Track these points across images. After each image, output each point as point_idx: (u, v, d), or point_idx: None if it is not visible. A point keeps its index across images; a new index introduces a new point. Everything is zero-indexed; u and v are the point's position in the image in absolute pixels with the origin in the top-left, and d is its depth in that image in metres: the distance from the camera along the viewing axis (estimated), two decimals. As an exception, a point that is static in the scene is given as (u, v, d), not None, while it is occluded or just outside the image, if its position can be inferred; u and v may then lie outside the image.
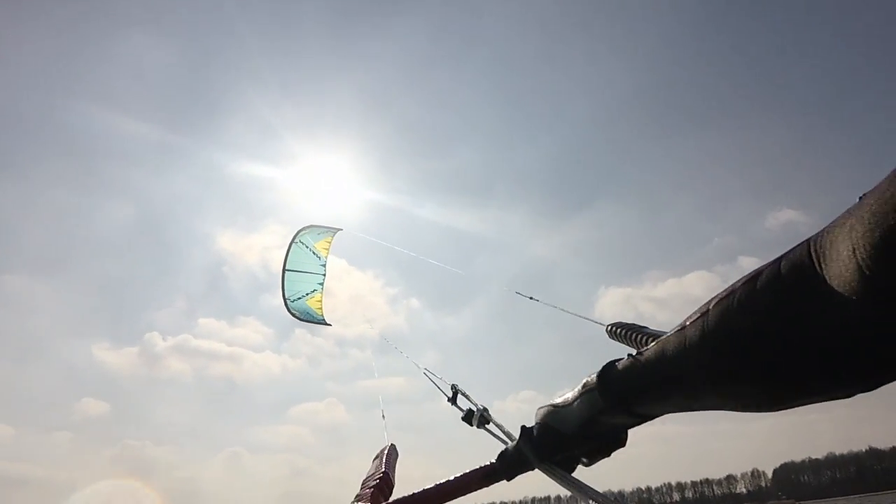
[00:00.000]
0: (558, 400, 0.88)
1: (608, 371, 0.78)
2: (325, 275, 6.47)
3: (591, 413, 0.80)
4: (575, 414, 0.82)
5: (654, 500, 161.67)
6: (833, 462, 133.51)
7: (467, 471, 0.98)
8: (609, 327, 1.36)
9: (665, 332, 1.12)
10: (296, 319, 6.23)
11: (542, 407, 0.91)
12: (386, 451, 1.58)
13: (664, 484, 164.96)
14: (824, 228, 0.48)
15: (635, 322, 1.25)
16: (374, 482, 1.24)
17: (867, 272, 0.41)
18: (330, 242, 6.50)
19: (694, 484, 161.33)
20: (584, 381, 0.82)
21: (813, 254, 0.48)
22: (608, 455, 0.86)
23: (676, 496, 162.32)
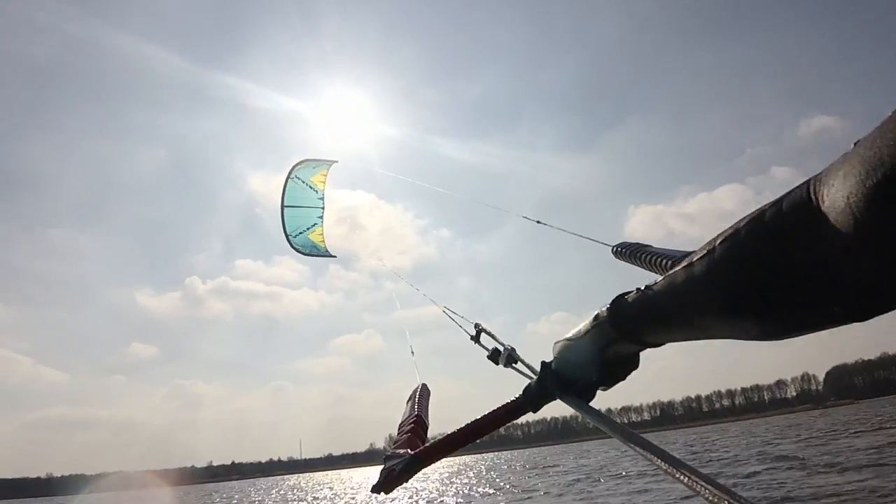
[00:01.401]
0: (572, 333, 0.92)
1: (618, 304, 0.80)
2: (323, 208, 6.48)
3: (602, 344, 0.84)
4: (588, 345, 0.86)
5: (704, 407, 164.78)
6: (887, 362, 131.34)
7: (495, 407, 1.02)
8: (614, 248, 1.40)
9: (670, 251, 1.13)
10: (302, 255, 6.33)
11: (558, 341, 0.95)
12: (418, 392, 1.60)
13: (714, 392, 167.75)
14: (822, 171, 0.50)
15: (648, 242, 1.30)
16: (409, 426, 1.28)
17: (860, 219, 0.44)
18: (326, 175, 6.45)
19: (744, 390, 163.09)
20: (596, 313, 0.85)
21: (812, 196, 0.50)
22: (624, 378, 0.90)
23: (726, 402, 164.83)
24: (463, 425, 1.04)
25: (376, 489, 1.00)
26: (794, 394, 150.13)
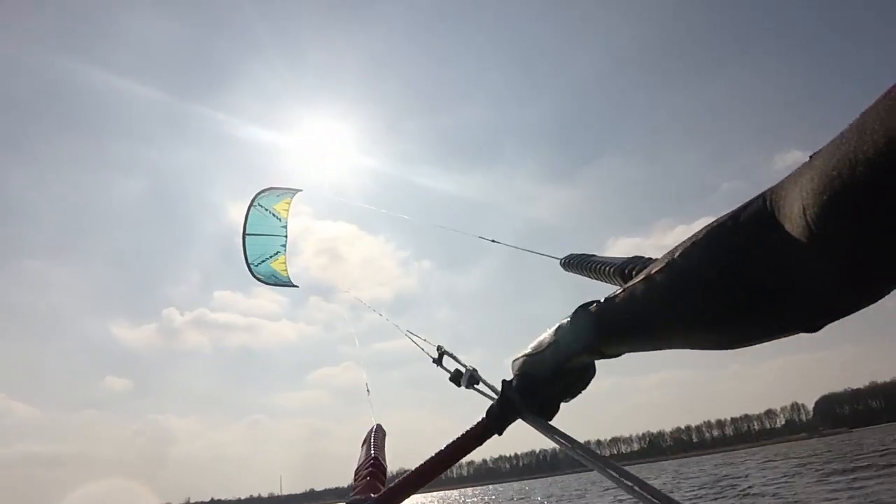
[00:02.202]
0: (530, 348, 0.90)
1: (581, 313, 0.80)
2: (286, 237, 6.39)
3: (564, 356, 0.83)
4: (550, 358, 0.85)
5: (693, 437, 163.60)
6: (876, 391, 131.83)
7: (460, 434, 0.97)
8: (562, 260, 1.43)
9: (613, 258, 1.15)
10: (262, 284, 6.21)
11: (516, 359, 0.93)
12: (373, 434, 1.57)
13: (704, 422, 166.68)
14: (778, 183, 0.51)
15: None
16: (367, 470, 1.25)
17: (815, 231, 0.45)
18: (289, 204, 6.39)
19: (734, 420, 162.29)
20: (558, 325, 0.85)
21: (768, 206, 0.51)
22: (586, 385, 0.89)
23: (716, 433, 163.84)
24: (426, 459, 0.96)
25: None
26: (784, 423, 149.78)
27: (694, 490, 18.04)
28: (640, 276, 0.69)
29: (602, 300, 0.78)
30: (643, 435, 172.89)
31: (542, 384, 0.87)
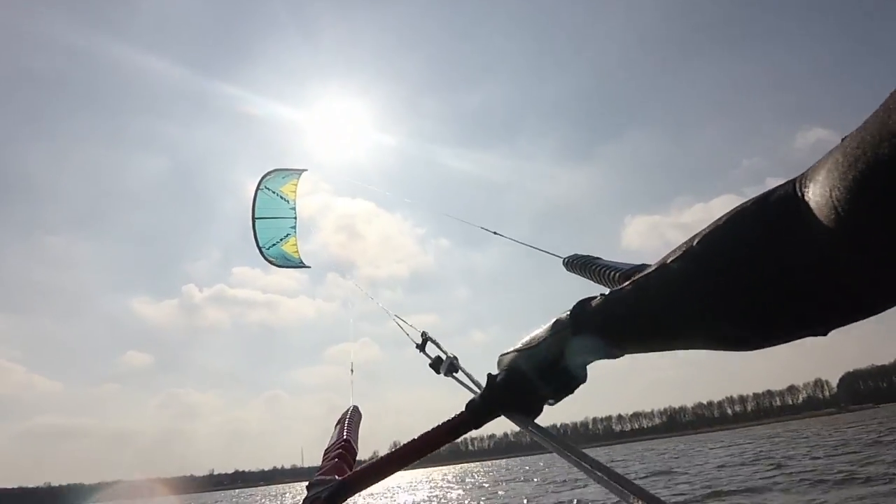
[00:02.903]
0: (521, 343, 0.85)
1: (582, 310, 0.74)
2: (296, 217, 6.39)
3: (558, 352, 0.77)
4: (543, 354, 0.79)
5: (716, 412, 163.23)
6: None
7: (437, 424, 0.94)
8: (565, 260, 1.38)
9: (620, 264, 1.10)
10: (275, 266, 6.23)
11: (505, 353, 0.87)
12: (348, 416, 1.52)
13: (726, 398, 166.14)
14: (810, 167, 0.48)
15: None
16: (337, 451, 1.20)
17: (842, 213, 0.43)
18: (296, 185, 6.36)
19: (756, 396, 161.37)
20: (555, 320, 0.79)
21: (798, 191, 0.48)
22: (572, 392, 0.83)
23: (738, 408, 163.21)
24: (398, 446, 0.94)
25: None
26: (806, 399, 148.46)
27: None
28: (653, 266, 0.63)
29: (607, 293, 0.71)
30: (664, 410, 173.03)
31: (530, 382, 0.82)
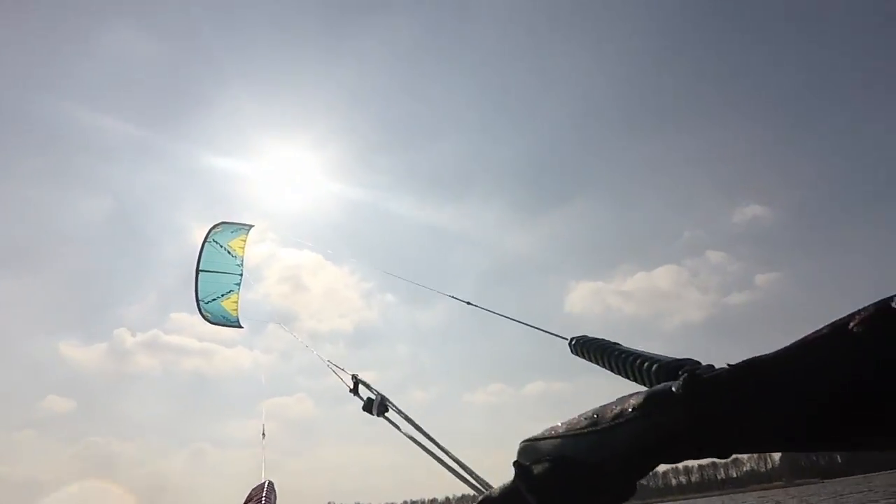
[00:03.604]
0: (563, 426, 0.65)
1: (696, 381, 0.54)
2: (241, 275, 6.23)
3: (656, 439, 0.57)
4: (624, 438, 0.58)
5: (660, 483, 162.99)
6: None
7: None
8: (573, 340, 1.21)
9: (653, 354, 0.91)
10: (208, 323, 6.01)
11: (535, 439, 0.66)
12: (264, 494, 1.29)
13: (671, 468, 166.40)
14: None
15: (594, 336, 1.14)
16: None
17: None
18: (245, 241, 6.26)
19: (701, 468, 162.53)
20: (640, 395, 0.59)
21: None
22: (625, 501, 0.63)
23: (682, 479, 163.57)
24: None
25: None
26: (749, 471, 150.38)
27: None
28: (740, 363, 0.53)
29: (687, 377, 0.56)
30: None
31: (594, 478, 0.60)
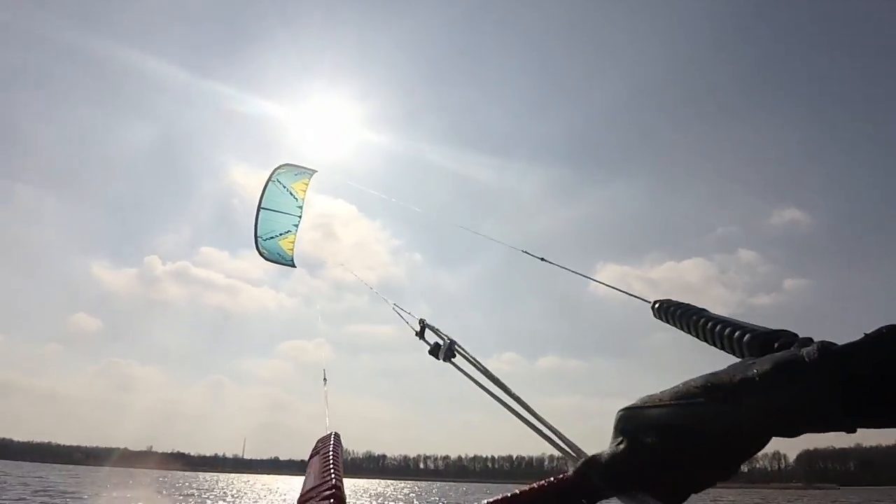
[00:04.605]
0: (672, 393, 0.60)
1: (830, 348, 0.51)
2: (300, 216, 6.41)
3: (786, 409, 0.53)
4: (754, 410, 0.55)
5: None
6: (858, 452, 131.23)
7: (533, 485, 0.68)
8: (657, 304, 1.18)
9: (746, 324, 0.84)
10: (263, 259, 6.24)
11: (635, 407, 0.62)
12: (331, 448, 1.21)
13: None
14: None
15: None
16: (324, 500, 0.90)
17: None
18: (307, 184, 6.40)
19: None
20: (766, 360, 0.55)
21: None
22: (727, 479, 0.62)
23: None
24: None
25: None
26: (763, 469, 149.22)
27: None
28: (875, 332, 0.49)
29: (821, 344, 0.53)
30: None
31: (702, 452, 0.58)
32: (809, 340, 0.64)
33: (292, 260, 6.20)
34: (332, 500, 0.89)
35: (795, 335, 0.70)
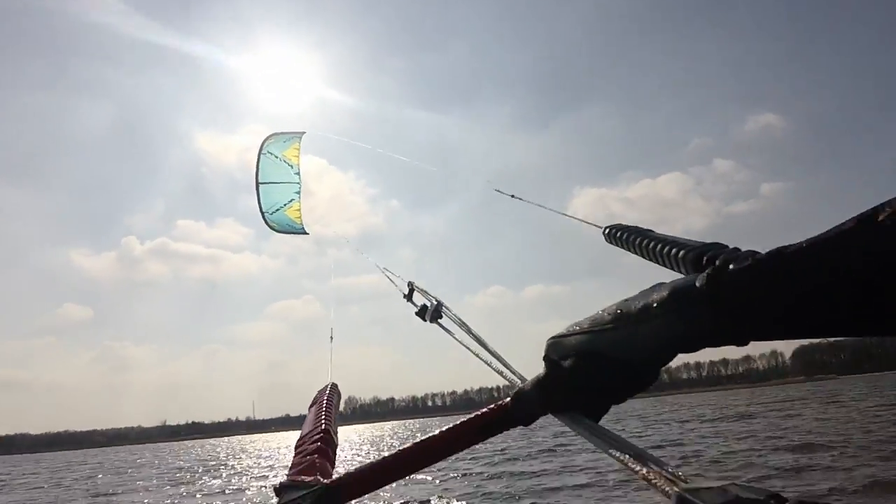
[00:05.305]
0: (588, 321, 0.67)
1: (720, 277, 0.54)
2: (300, 182, 6.33)
3: (681, 333, 0.58)
4: (649, 335, 0.60)
5: (671, 377, 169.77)
6: (849, 343, 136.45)
7: (465, 418, 0.74)
8: (607, 229, 1.20)
9: (684, 240, 0.88)
10: (276, 232, 6.21)
11: (562, 336, 0.69)
12: (326, 395, 1.29)
13: (681, 364, 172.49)
14: None
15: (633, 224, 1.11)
16: (314, 444, 0.98)
17: None
18: (298, 149, 6.28)
19: (712, 363, 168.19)
20: (664, 290, 0.59)
21: None
22: (642, 391, 0.67)
23: (693, 374, 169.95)
24: (410, 444, 0.74)
25: None
26: (763, 369, 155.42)
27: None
28: (767, 255, 0.54)
29: (711, 272, 0.57)
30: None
31: (616, 374, 0.65)
32: (736, 251, 0.71)
33: (303, 227, 6.17)
34: (320, 443, 0.98)
35: (724, 247, 0.75)
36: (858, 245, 0.47)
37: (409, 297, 1.66)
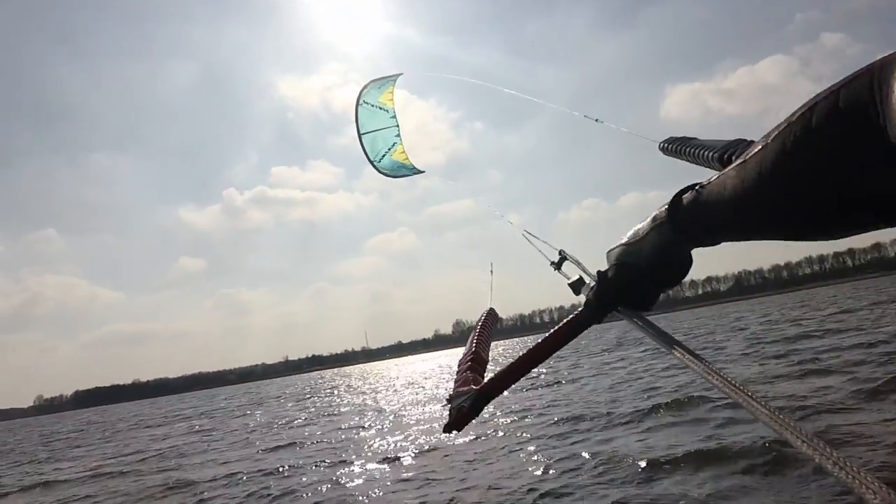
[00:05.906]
0: (627, 237, 0.89)
1: (677, 204, 0.77)
2: (398, 125, 6.47)
3: (662, 245, 0.82)
4: (648, 248, 0.84)
5: (795, 272, 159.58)
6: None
7: (554, 329, 0.98)
8: (661, 144, 1.29)
9: (715, 142, 1.04)
10: (390, 178, 6.44)
11: (612, 249, 0.92)
12: (481, 321, 1.54)
13: (804, 258, 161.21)
14: (890, 54, 0.40)
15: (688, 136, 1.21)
16: (467, 364, 1.25)
17: None
18: (392, 91, 6.36)
19: (837, 254, 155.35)
20: (654, 214, 0.83)
21: (875, 87, 0.40)
22: (681, 281, 0.89)
23: (816, 268, 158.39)
24: (523, 353, 1.01)
25: (448, 428, 1.01)
26: (874, 259, 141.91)
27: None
28: (735, 164, 0.63)
29: (696, 187, 0.74)
30: (736, 274, 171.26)
31: (640, 275, 0.87)
32: (749, 143, 0.85)
33: (414, 167, 6.33)
34: (471, 362, 1.25)
35: (741, 142, 0.91)
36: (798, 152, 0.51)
37: (558, 265, 1.45)
